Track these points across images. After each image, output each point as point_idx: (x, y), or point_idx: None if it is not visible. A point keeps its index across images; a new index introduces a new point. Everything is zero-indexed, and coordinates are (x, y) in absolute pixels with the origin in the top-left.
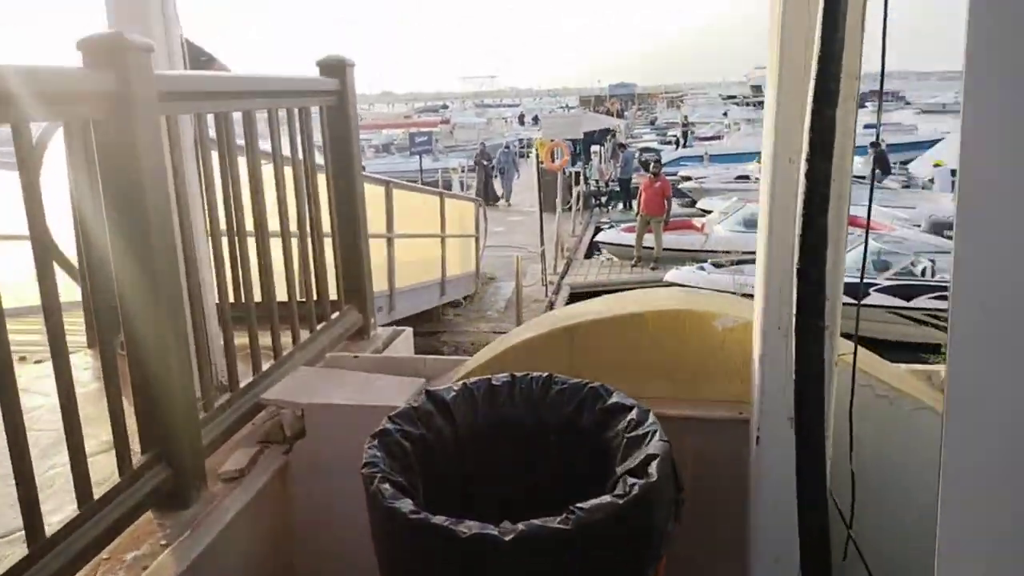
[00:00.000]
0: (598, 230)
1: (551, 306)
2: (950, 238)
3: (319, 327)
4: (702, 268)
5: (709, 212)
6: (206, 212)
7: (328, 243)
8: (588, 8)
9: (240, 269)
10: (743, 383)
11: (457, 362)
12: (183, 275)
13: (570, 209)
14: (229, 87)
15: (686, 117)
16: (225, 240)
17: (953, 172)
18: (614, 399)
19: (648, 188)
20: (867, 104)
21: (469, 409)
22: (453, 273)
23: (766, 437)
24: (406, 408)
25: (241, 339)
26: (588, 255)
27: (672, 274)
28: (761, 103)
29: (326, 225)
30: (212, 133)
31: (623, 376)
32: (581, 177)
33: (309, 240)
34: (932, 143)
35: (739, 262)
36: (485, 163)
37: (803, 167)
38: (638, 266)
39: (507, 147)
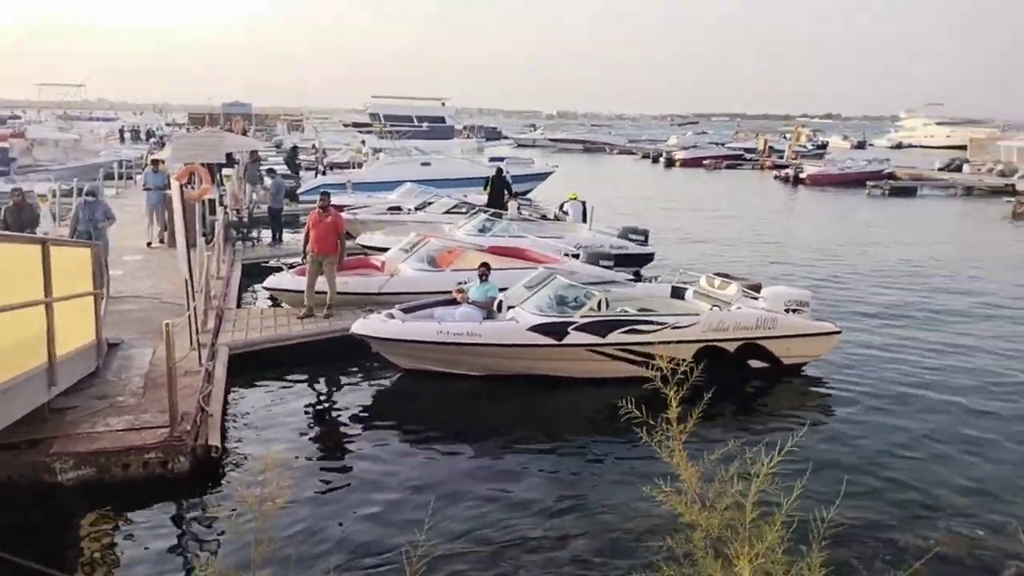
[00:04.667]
0: (244, 269)
1: (208, 376)
2: (606, 267)
3: None
4: (391, 315)
5: (373, 249)
6: None
7: None
8: (194, 17)
9: None
10: None
11: None
12: None
13: (212, 245)
14: None
15: (321, 143)
16: None
17: (583, 204)
18: None
19: (318, 223)
20: (472, 137)
21: None
22: (66, 350)
23: None
24: None
25: None
26: (238, 303)
27: (359, 325)
28: (392, 132)
29: None
30: None
31: None
32: (218, 205)
33: None
34: (546, 175)
35: (426, 305)
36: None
37: None
38: (309, 316)
39: (90, 196)
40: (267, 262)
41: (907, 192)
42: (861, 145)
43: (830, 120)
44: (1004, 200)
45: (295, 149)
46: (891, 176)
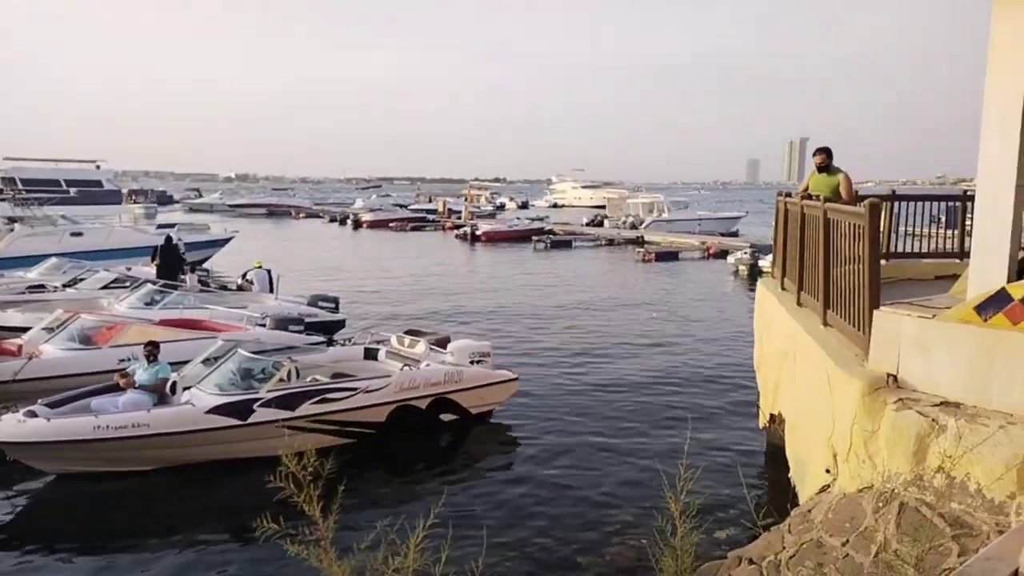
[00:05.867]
0: None
1: None
2: (296, 332)
3: None
4: (32, 413)
5: (6, 329)
6: None
7: None
8: None
9: None
10: None
11: None
12: None
13: None
14: None
15: None
16: None
17: (269, 272)
18: None
19: None
20: (140, 202)
21: None
22: None
23: None
24: None
25: None
26: None
27: None
28: (32, 199)
29: None
30: None
31: None
32: None
33: None
34: (225, 241)
35: (79, 396)
36: None
37: None
38: None
39: None
40: None
41: (564, 244)
42: (524, 205)
43: (499, 183)
44: (635, 249)
45: None
46: (551, 232)
